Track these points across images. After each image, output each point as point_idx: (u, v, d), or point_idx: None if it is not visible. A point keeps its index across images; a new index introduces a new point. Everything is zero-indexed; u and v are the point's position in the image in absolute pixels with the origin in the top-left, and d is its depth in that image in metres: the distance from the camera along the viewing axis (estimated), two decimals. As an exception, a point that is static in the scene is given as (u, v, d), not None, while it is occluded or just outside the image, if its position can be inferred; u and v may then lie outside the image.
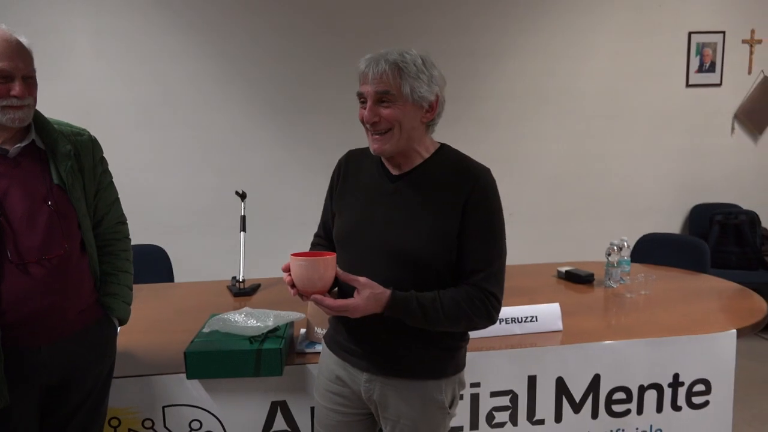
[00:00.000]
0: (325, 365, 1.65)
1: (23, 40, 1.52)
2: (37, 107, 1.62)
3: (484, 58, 4.15)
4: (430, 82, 1.42)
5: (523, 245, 4.24)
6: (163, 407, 1.94)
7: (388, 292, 1.40)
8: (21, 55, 1.49)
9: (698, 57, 4.38)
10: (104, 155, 1.77)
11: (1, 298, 1.48)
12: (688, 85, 4.41)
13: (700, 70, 4.40)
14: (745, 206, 4.37)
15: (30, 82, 1.54)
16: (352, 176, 1.59)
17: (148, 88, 3.85)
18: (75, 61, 3.76)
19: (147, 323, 2.36)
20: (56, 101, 3.50)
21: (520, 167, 4.30)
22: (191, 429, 1.97)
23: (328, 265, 1.40)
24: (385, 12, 4.00)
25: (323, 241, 1.69)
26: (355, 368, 1.55)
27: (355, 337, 1.55)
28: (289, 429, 2.00)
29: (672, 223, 4.49)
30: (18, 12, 3.62)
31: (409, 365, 1.50)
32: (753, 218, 4.18)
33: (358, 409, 1.59)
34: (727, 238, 4.18)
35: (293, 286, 1.41)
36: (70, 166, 1.61)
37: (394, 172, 1.51)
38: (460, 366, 1.57)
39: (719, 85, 4.43)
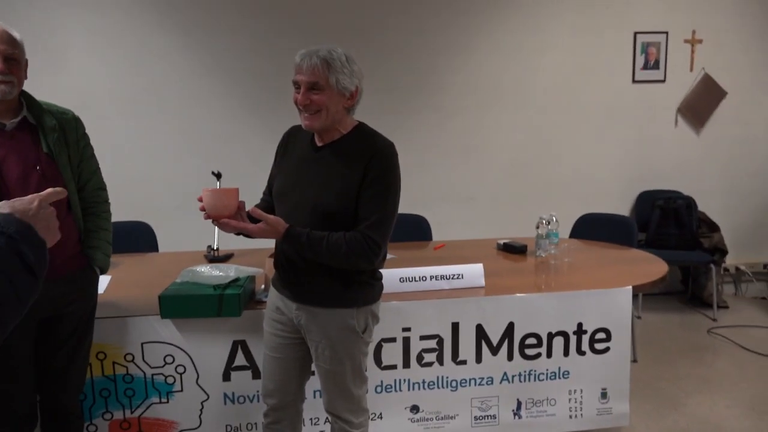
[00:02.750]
0: (271, 299, 2.05)
1: (14, 33, 1.86)
2: (41, 97, 1.98)
3: (441, 55, 4.50)
4: (351, 75, 1.79)
5: (481, 225, 4.64)
6: (142, 343, 2.32)
7: (286, 225, 1.78)
8: (3, 39, 1.82)
9: (643, 55, 4.75)
10: (97, 141, 2.14)
11: None
12: (634, 81, 4.78)
13: (645, 67, 4.78)
14: (686, 193, 4.75)
15: (12, 63, 1.83)
16: (290, 145, 1.98)
17: (137, 81, 4.21)
18: (73, 57, 4.13)
19: (132, 279, 2.74)
20: (56, 92, 3.84)
21: (478, 155, 4.66)
22: (165, 363, 2.35)
23: (230, 195, 1.78)
24: (359, 12, 4.35)
25: (268, 197, 2.06)
26: (287, 299, 1.95)
27: (287, 276, 1.94)
28: (248, 363, 2.39)
29: (620, 208, 4.86)
30: (21, 13, 3.99)
31: (326, 296, 1.88)
32: (690, 203, 4.55)
33: (293, 334, 1.98)
34: (668, 221, 4.55)
35: (204, 211, 1.78)
36: (56, 138, 1.95)
37: (319, 143, 1.88)
38: (370, 299, 1.94)
39: (663, 81, 4.80)
